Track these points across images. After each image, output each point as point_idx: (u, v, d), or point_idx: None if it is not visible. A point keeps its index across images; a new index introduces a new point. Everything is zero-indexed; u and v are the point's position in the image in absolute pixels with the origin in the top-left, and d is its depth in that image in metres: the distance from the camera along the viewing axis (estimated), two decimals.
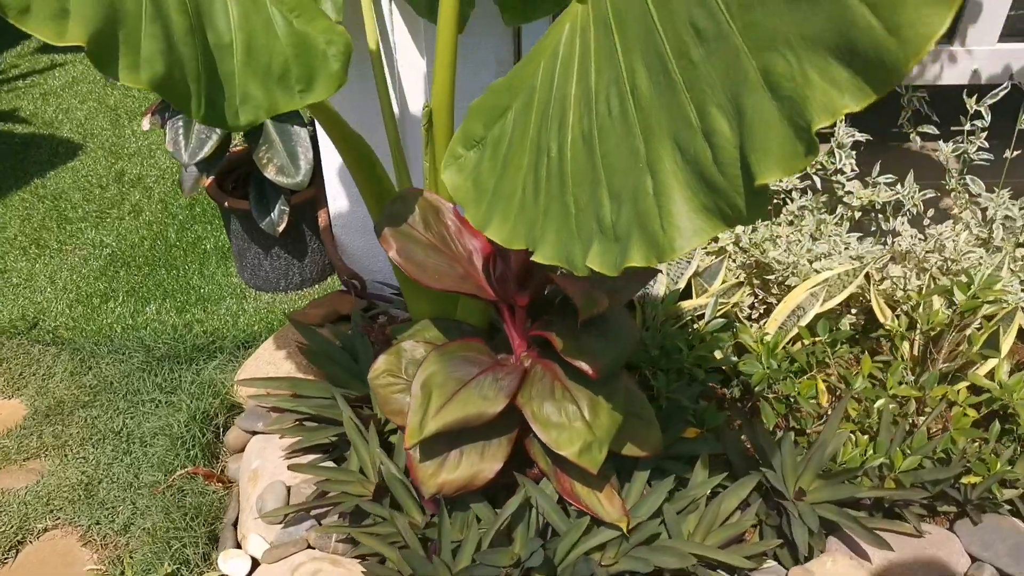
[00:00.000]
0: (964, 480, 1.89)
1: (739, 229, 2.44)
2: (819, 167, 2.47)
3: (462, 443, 1.64)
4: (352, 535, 1.74)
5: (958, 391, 2.02)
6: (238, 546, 1.98)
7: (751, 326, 2.35)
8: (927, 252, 2.32)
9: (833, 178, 2.50)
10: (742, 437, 2.02)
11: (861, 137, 2.45)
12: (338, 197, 2.43)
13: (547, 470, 1.67)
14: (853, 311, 2.40)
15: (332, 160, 2.37)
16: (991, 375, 2.09)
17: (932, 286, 2.24)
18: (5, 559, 2.12)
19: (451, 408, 1.53)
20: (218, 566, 1.91)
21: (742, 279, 2.38)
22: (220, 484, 2.17)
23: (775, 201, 2.57)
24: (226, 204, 2.63)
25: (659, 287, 2.28)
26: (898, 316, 2.26)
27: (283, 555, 1.83)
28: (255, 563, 1.89)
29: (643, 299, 2.29)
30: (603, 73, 1.06)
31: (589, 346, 1.50)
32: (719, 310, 2.23)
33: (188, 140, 2.27)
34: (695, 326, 2.19)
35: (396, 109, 2.25)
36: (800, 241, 2.41)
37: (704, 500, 1.79)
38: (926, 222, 2.56)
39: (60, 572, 2.09)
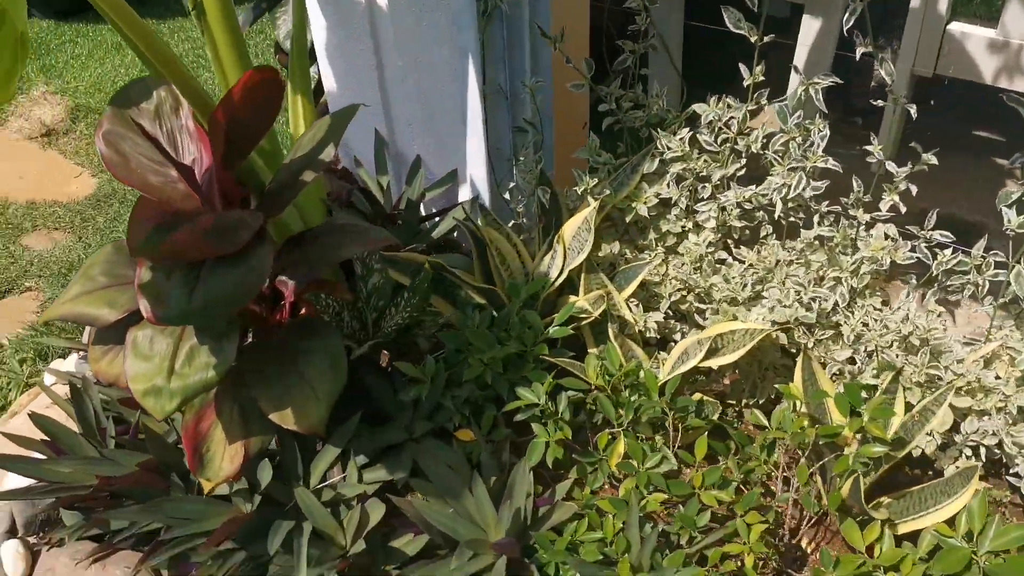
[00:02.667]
0: None
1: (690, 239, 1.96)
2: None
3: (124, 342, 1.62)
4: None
5: (750, 525, 1.49)
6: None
7: (655, 355, 1.92)
8: (879, 339, 1.67)
9: (850, 210, 1.87)
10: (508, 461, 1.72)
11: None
12: (328, 76, 2.37)
13: None
14: None
15: (320, 38, 2.30)
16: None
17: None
18: None
19: (79, 302, 1.52)
20: (50, 367, 2.14)
21: (676, 294, 1.93)
22: None
23: (792, 219, 1.99)
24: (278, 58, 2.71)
25: (553, 271, 1.94)
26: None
27: (81, 373, 1.99)
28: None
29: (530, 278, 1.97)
30: None
31: (167, 289, 1.37)
32: (583, 318, 1.85)
33: None
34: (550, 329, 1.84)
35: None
36: (752, 272, 1.87)
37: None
38: (975, 310, 1.83)
39: (10, 325, 2.49)
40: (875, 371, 1.71)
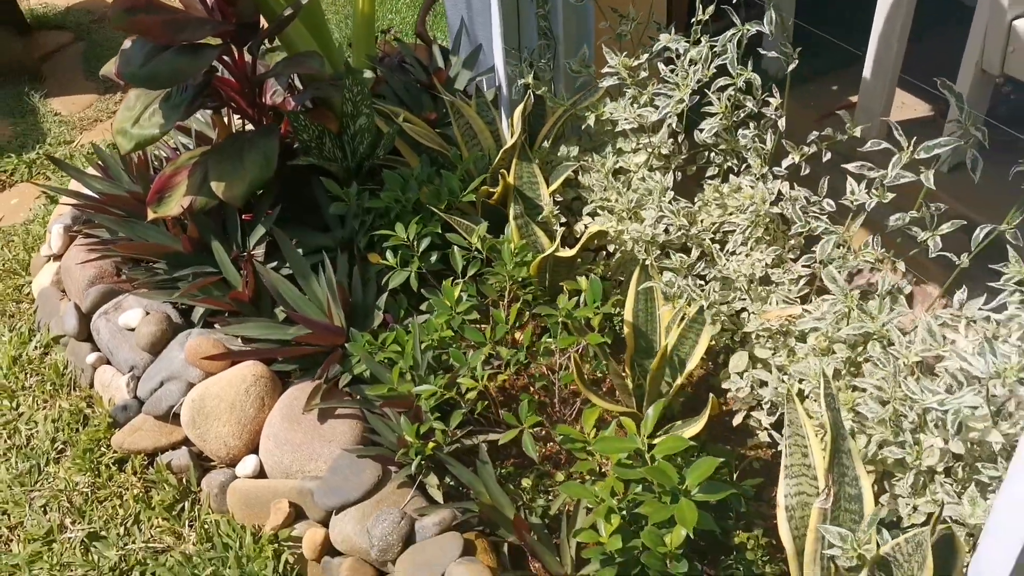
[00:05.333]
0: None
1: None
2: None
3: None
4: None
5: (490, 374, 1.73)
6: None
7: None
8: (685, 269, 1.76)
9: (749, 157, 1.92)
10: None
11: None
12: None
13: None
14: None
15: None
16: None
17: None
18: None
19: (111, 64, 2.12)
20: None
21: (598, 201, 2.13)
22: None
23: (729, 164, 2.07)
24: None
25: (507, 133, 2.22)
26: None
27: None
28: None
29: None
30: None
31: (134, 57, 1.89)
32: (493, 193, 2.12)
33: None
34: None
35: None
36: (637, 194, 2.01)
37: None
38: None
39: None
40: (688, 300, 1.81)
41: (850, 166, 1.63)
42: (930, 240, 1.59)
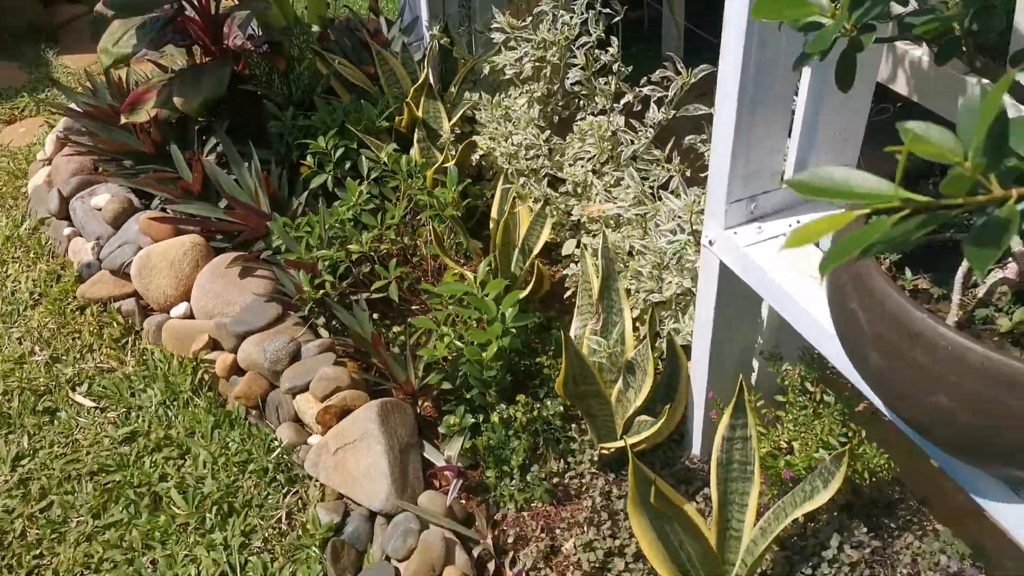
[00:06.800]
0: None
1: None
2: None
3: None
4: None
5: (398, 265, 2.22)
6: None
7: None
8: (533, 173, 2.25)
9: (597, 97, 2.42)
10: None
11: None
12: None
13: None
14: None
15: None
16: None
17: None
18: None
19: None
20: None
21: (491, 132, 2.62)
22: None
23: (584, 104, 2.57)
24: None
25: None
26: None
27: None
28: None
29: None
30: None
31: None
32: (400, 121, 2.62)
33: None
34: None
35: None
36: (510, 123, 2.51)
37: None
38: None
39: None
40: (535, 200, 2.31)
41: (644, 89, 2.12)
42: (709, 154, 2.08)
